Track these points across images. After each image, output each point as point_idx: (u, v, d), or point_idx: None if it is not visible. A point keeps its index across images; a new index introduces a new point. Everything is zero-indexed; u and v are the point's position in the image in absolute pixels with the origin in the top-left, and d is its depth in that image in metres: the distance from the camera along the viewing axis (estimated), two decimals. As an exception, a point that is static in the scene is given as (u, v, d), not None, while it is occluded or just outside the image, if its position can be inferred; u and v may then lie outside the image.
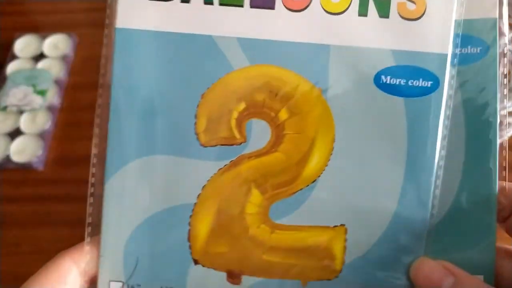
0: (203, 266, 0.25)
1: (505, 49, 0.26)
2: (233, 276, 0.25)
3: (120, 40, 0.24)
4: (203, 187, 0.25)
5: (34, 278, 0.24)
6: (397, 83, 0.24)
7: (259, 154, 0.25)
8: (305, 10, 0.24)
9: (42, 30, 0.57)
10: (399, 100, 0.24)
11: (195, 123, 0.25)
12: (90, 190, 0.25)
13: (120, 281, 0.25)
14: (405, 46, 0.24)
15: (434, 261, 0.24)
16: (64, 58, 0.55)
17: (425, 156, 0.24)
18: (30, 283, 0.24)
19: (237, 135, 0.25)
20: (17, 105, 0.51)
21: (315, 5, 0.24)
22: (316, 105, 0.24)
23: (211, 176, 0.25)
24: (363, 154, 0.25)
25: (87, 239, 0.25)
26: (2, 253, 0.40)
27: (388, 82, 0.24)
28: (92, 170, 0.25)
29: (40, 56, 0.55)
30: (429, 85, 0.24)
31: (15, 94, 0.51)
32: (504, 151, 0.25)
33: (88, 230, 0.25)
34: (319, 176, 0.25)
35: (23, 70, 0.54)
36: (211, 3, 0.24)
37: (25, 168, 0.48)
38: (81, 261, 0.25)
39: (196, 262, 0.25)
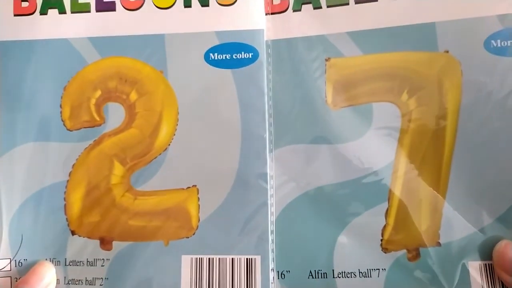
0: (80, 236, 0.28)
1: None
2: (104, 243, 0.28)
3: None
4: (73, 165, 0.29)
5: None
6: (224, 58, 0.28)
7: (117, 132, 0.29)
8: (141, 8, 0.29)
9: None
10: (228, 72, 0.28)
11: (61, 112, 0.29)
12: None
13: (8, 258, 0.28)
14: (225, 27, 0.28)
15: None
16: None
17: (257, 115, 0.27)
18: None
19: (97, 118, 0.29)
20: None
21: (148, 3, 0.29)
22: (159, 84, 0.29)
23: (79, 155, 0.29)
24: (204, 121, 0.28)
25: None
26: None
27: (216, 58, 0.28)
28: None
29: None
30: (250, 57, 0.28)
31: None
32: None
33: None
34: (169, 144, 0.28)
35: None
36: (64, 12, 0.29)
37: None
38: None
39: (73, 233, 0.29)
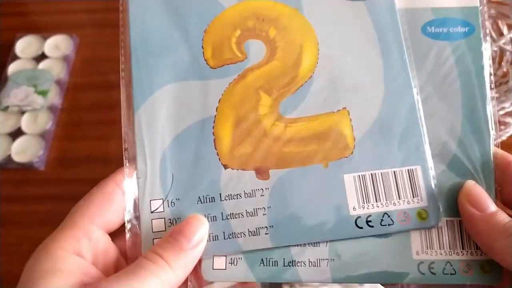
0: (233, 169, 0.28)
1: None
2: (261, 172, 0.28)
3: (133, 5, 0.31)
4: (219, 100, 0.29)
5: (82, 202, 0.27)
6: None
7: (260, 65, 0.30)
8: None
9: (43, 30, 0.58)
10: (361, 4, 0.30)
11: (203, 53, 0.30)
12: (124, 120, 0.29)
13: (160, 199, 0.28)
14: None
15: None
16: (65, 58, 0.55)
17: (395, 41, 0.30)
18: (78, 207, 0.26)
19: (239, 54, 0.30)
20: (18, 105, 0.51)
21: None
22: (295, 19, 0.30)
23: (224, 90, 0.29)
24: (344, 47, 0.30)
25: (126, 164, 0.28)
26: (3, 253, 0.40)
27: None
28: (122, 104, 0.29)
29: (41, 57, 0.55)
30: None
31: (17, 95, 0.52)
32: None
33: (125, 155, 0.28)
34: (313, 72, 0.30)
35: (25, 71, 0.54)
36: None
37: (26, 168, 0.48)
38: (122, 184, 0.27)
39: (225, 167, 0.28)
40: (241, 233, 0.28)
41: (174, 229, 0.26)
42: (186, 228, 0.26)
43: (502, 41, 0.48)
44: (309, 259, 0.28)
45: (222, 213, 0.28)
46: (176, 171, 0.28)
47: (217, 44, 0.30)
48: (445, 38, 0.30)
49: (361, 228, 0.28)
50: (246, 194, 0.28)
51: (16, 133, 0.50)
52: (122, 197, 0.27)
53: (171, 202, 0.28)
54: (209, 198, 0.28)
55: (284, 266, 0.28)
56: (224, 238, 0.27)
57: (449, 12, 0.30)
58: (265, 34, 0.30)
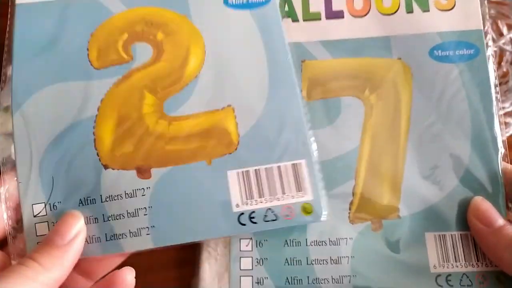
0: (113, 169, 0.28)
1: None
2: (142, 171, 0.27)
3: (20, 12, 0.30)
4: (101, 100, 0.29)
5: None
6: None
7: (145, 66, 0.30)
8: None
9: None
10: (246, 13, 0.31)
11: (88, 54, 0.30)
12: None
13: (42, 202, 0.27)
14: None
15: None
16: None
17: (279, 44, 0.30)
18: None
19: (125, 56, 0.30)
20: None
21: None
22: (183, 25, 0.31)
23: (108, 90, 0.29)
24: (230, 49, 0.30)
25: (3, 169, 0.27)
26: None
27: (232, 3, 0.31)
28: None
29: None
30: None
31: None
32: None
33: (2, 160, 0.28)
34: (199, 72, 0.30)
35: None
36: None
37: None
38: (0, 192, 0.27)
39: (106, 167, 0.28)
40: (122, 234, 0.27)
41: (51, 230, 0.26)
42: (60, 225, 0.26)
43: (502, 41, 0.46)
44: (332, 277, 0.28)
45: (103, 214, 0.27)
46: (56, 174, 0.27)
47: (103, 46, 0.30)
48: (451, 61, 0.31)
49: (244, 224, 0.27)
50: (127, 195, 0.27)
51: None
52: (0, 208, 0.27)
53: (53, 205, 0.27)
54: (90, 199, 0.27)
55: (308, 283, 0.28)
56: (107, 240, 0.27)
57: (455, 36, 0.31)
58: (152, 38, 0.30)
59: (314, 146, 0.29)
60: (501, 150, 0.30)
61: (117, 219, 0.27)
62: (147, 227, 0.27)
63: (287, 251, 0.29)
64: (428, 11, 0.32)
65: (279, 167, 0.28)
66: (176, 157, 0.28)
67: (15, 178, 0.27)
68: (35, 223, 0.27)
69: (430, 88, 0.31)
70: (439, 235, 0.29)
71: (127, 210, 0.27)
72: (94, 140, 0.28)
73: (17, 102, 0.28)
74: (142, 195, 0.27)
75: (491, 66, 0.31)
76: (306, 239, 0.29)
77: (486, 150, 0.30)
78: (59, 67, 0.29)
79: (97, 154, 0.28)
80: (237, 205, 0.27)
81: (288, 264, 0.28)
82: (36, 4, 0.30)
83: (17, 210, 0.27)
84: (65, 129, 0.28)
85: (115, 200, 0.27)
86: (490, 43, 0.32)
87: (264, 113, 0.29)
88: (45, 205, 0.27)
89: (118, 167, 0.27)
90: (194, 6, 0.31)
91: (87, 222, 0.27)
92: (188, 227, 0.27)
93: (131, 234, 0.27)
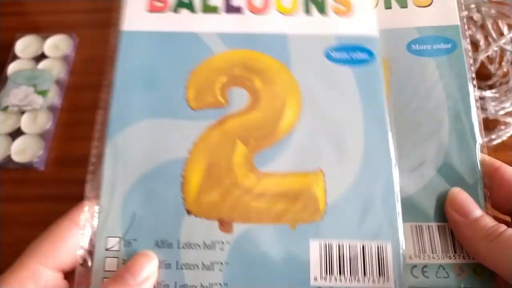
0: (196, 216, 0.27)
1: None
2: (224, 224, 0.27)
3: (125, 38, 0.31)
4: (194, 143, 0.28)
5: (35, 241, 0.26)
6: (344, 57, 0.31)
7: (241, 114, 0.29)
8: (265, 13, 0.32)
9: (43, 30, 0.57)
10: (347, 69, 0.30)
11: (186, 93, 0.29)
12: (93, 150, 0.28)
13: (118, 237, 0.26)
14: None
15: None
16: (64, 58, 0.55)
17: (378, 103, 0.29)
18: (29, 247, 0.26)
19: (222, 100, 0.29)
20: (18, 105, 0.51)
21: (273, 9, 0.32)
22: (281, 74, 0.30)
23: (201, 134, 0.29)
24: (327, 108, 0.29)
25: (87, 196, 0.27)
26: (2, 253, 0.39)
27: (335, 57, 0.31)
28: (96, 133, 0.28)
29: (41, 57, 0.55)
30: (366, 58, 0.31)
31: (16, 95, 0.51)
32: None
33: (88, 188, 0.27)
34: (293, 128, 0.29)
35: (24, 71, 0.53)
36: (195, 12, 0.32)
37: (25, 168, 0.47)
38: (79, 220, 0.26)
39: (189, 212, 0.27)
40: (193, 285, 0.26)
41: (122, 267, 0.25)
42: (133, 264, 0.25)
43: (502, 41, 0.47)
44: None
45: (177, 261, 0.26)
46: (138, 210, 0.27)
47: (202, 86, 0.30)
48: (429, 55, 0.32)
49: None
50: (205, 245, 0.26)
51: (16, 133, 0.49)
52: (77, 236, 0.26)
53: (128, 242, 0.26)
54: (167, 243, 0.26)
55: None
56: None
57: (432, 31, 0.32)
58: (250, 84, 0.30)
59: (401, 227, 0.27)
60: (479, 140, 0.30)
61: (191, 269, 0.26)
62: (220, 284, 0.26)
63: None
64: (406, 7, 0.33)
65: (363, 246, 0.26)
66: (261, 215, 0.27)
67: (96, 207, 0.27)
68: (106, 257, 0.26)
69: (408, 81, 0.31)
70: (416, 226, 0.28)
71: (202, 262, 0.26)
72: (182, 183, 0.27)
73: (112, 132, 0.28)
74: (221, 249, 0.26)
75: (468, 59, 0.32)
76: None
77: (464, 141, 0.30)
78: (156, 102, 0.29)
79: (183, 198, 0.27)
80: (315, 279, 0.26)
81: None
82: (141, 32, 0.31)
83: (91, 240, 0.26)
84: (155, 166, 0.28)
85: (192, 248, 0.26)
86: (467, 34, 0.33)
87: (356, 182, 0.28)
88: (119, 240, 0.26)
89: (201, 215, 0.27)
90: (295, 55, 0.30)
91: (159, 266, 0.26)
92: None
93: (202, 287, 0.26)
